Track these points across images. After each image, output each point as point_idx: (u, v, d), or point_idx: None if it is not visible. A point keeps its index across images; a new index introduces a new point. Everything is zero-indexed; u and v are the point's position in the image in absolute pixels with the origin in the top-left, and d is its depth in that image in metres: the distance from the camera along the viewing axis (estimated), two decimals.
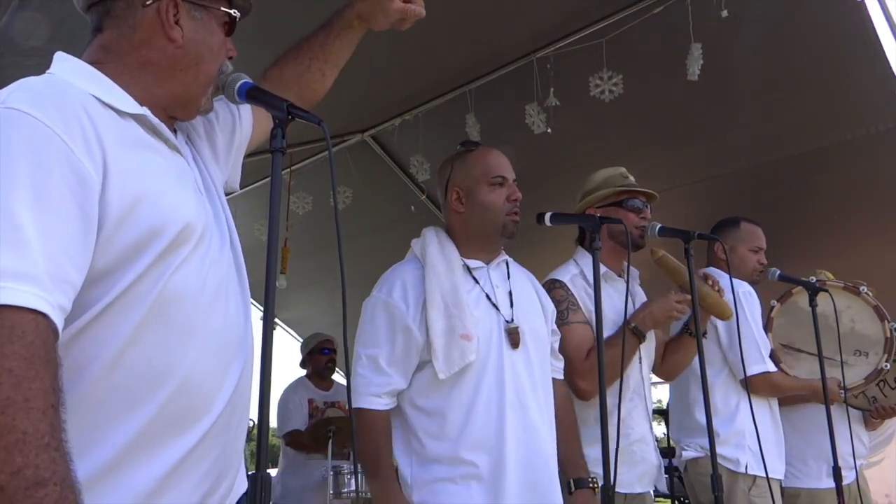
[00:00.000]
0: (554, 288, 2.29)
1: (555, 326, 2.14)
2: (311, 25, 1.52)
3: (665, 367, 2.58)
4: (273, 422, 4.53)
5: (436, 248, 1.95)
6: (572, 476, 1.99)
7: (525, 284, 2.09)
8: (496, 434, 1.79)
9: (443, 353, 1.80)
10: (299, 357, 4.91)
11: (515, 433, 1.81)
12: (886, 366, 2.87)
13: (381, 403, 1.85)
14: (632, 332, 2.23)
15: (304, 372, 4.79)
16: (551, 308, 2.14)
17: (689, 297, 2.23)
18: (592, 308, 2.00)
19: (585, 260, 2.39)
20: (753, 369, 2.66)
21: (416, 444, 1.84)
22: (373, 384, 1.84)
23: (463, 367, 1.81)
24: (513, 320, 1.92)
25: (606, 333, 2.26)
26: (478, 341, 1.84)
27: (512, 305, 1.96)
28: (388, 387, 1.85)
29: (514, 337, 1.89)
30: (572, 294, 2.30)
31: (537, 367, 1.94)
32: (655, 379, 4.21)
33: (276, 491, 4.40)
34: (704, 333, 2.45)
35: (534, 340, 1.96)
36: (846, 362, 2.87)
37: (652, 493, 2.35)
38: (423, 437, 1.84)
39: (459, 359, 1.81)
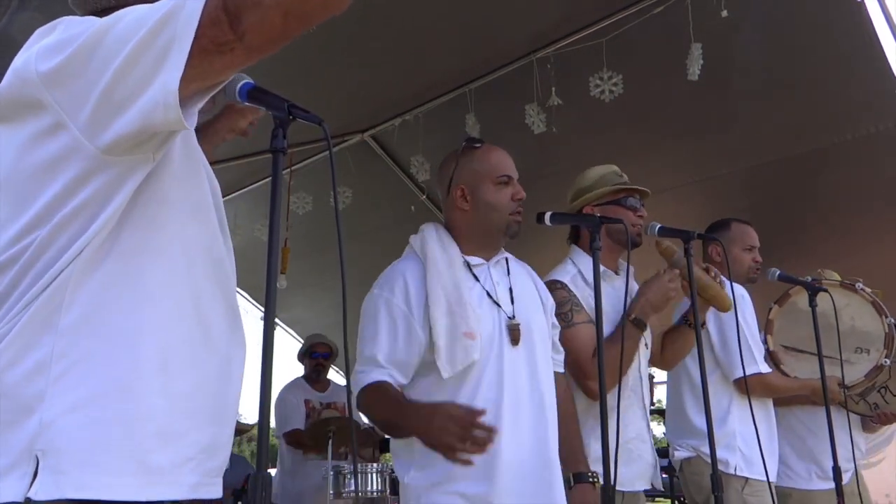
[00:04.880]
0: (556, 289, 2.28)
1: (555, 320, 2.13)
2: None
3: (665, 358, 2.59)
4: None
5: (436, 245, 1.94)
6: (572, 470, 1.98)
7: (525, 280, 2.09)
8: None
9: (446, 352, 1.80)
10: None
11: (510, 433, 1.79)
12: (886, 361, 2.85)
13: (390, 378, 1.84)
14: (633, 323, 2.23)
15: (300, 372, 4.83)
16: (551, 302, 2.14)
17: (677, 271, 2.27)
18: (590, 308, 2.00)
19: (581, 259, 2.39)
20: (746, 370, 2.66)
21: (416, 446, 1.84)
22: (375, 378, 1.84)
23: (467, 365, 1.80)
24: (514, 317, 1.92)
25: (609, 331, 2.27)
26: (481, 339, 1.83)
27: (513, 302, 1.95)
28: (389, 378, 1.85)
29: (514, 333, 1.89)
30: (574, 294, 2.30)
31: (540, 363, 1.93)
32: (657, 379, 4.19)
33: (276, 491, 4.41)
34: (704, 324, 2.46)
35: (536, 336, 1.95)
36: (848, 360, 2.86)
37: (643, 492, 2.35)
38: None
39: (463, 357, 1.80)
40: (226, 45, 0.91)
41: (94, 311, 1.00)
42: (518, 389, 1.85)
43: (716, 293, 2.37)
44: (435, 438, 1.61)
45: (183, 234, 1.10)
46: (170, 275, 1.07)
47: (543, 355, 1.97)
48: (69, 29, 1.00)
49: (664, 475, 5.52)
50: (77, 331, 0.98)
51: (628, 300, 2.21)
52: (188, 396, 1.07)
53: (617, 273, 2.41)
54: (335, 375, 5.00)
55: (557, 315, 2.20)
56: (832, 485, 2.53)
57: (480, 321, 1.86)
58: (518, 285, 2.02)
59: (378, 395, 1.82)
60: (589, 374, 2.17)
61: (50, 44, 0.98)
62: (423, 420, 1.68)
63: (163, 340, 1.04)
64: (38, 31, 1.04)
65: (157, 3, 0.94)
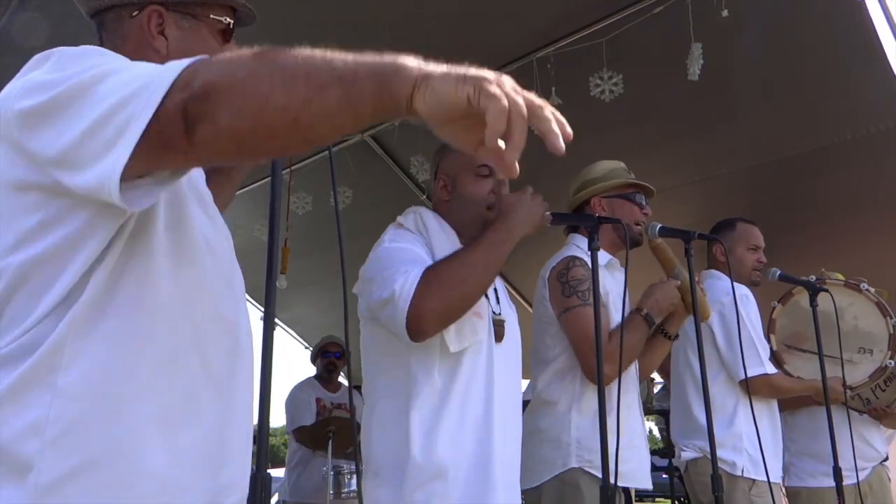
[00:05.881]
0: (575, 266, 2.26)
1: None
2: (308, 28, 1.52)
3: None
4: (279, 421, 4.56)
5: (436, 224, 1.90)
6: None
7: (502, 288, 2.06)
8: (485, 426, 1.75)
9: (455, 325, 1.73)
10: (299, 357, 4.98)
11: (500, 429, 1.76)
12: (891, 363, 2.85)
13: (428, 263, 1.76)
14: (644, 318, 2.23)
15: (312, 372, 4.86)
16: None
17: (679, 282, 2.28)
18: (604, 291, 2.03)
19: (585, 244, 2.37)
20: (751, 371, 2.66)
21: (415, 424, 1.74)
22: (417, 272, 1.70)
23: (473, 343, 1.76)
24: (500, 313, 1.90)
25: (615, 321, 2.28)
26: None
27: (498, 302, 1.94)
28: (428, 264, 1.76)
29: (498, 329, 1.86)
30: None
31: (514, 366, 1.92)
32: (658, 379, 4.16)
33: (285, 489, 4.53)
34: (677, 336, 2.44)
35: (512, 339, 1.93)
36: (851, 360, 2.86)
37: (644, 492, 2.34)
38: (424, 418, 1.73)
39: (471, 334, 1.76)
40: (178, 149, 0.88)
41: (93, 373, 0.96)
42: (503, 386, 1.82)
43: (698, 300, 2.36)
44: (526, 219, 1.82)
45: (178, 281, 1.06)
46: (168, 328, 1.04)
47: (516, 359, 1.94)
48: (58, 68, 0.96)
49: (664, 475, 5.52)
50: (75, 392, 0.95)
51: (628, 299, 2.21)
52: (194, 447, 1.04)
53: (622, 264, 2.41)
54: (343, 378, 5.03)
55: (575, 292, 2.19)
56: (849, 482, 2.54)
57: (481, 305, 1.81)
58: (500, 288, 2.00)
59: (433, 273, 1.69)
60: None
61: (35, 82, 0.95)
62: (507, 222, 1.80)
63: (164, 397, 1.01)
64: (31, 62, 1.00)
65: (140, 70, 0.91)
